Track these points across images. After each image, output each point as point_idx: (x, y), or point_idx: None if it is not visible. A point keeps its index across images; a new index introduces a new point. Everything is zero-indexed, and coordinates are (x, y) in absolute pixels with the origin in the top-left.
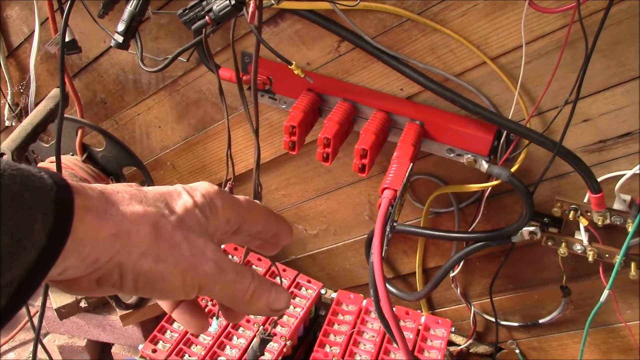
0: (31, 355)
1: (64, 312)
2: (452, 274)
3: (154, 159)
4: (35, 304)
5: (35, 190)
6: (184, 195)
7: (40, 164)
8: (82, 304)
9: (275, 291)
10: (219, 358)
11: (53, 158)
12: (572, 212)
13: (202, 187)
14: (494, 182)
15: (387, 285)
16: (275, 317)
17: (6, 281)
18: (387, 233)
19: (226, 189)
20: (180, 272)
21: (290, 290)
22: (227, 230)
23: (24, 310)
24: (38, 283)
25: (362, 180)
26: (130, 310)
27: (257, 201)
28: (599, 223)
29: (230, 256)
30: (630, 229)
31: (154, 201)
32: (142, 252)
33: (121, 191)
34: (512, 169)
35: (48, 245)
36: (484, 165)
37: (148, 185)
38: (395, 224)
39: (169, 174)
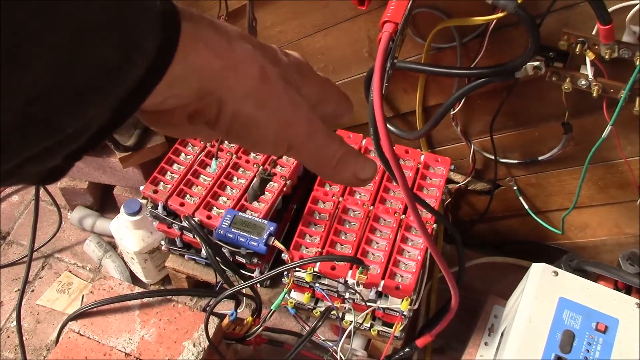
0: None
1: None
2: (452, 112)
3: None
4: None
5: None
6: (280, 55)
7: None
8: None
9: (362, 160)
10: (220, 198)
11: None
12: (579, 45)
13: (296, 54)
14: (500, 15)
15: (387, 123)
16: (275, 157)
17: (112, 98)
18: (387, 69)
19: None
20: (276, 123)
21: None
22: None
23: None
24: (143, 98)
25: (361, 14)
26: (129, 153)
27: (333, 82)
28: (606, 56)
29: None
30: (639, 62)
31: (260, 46)
32: (246, 93)
33: (228, 27)
34: (519, 0)
35: (157, 58)
36: None
37: None
38: (395, 60)
39: None
